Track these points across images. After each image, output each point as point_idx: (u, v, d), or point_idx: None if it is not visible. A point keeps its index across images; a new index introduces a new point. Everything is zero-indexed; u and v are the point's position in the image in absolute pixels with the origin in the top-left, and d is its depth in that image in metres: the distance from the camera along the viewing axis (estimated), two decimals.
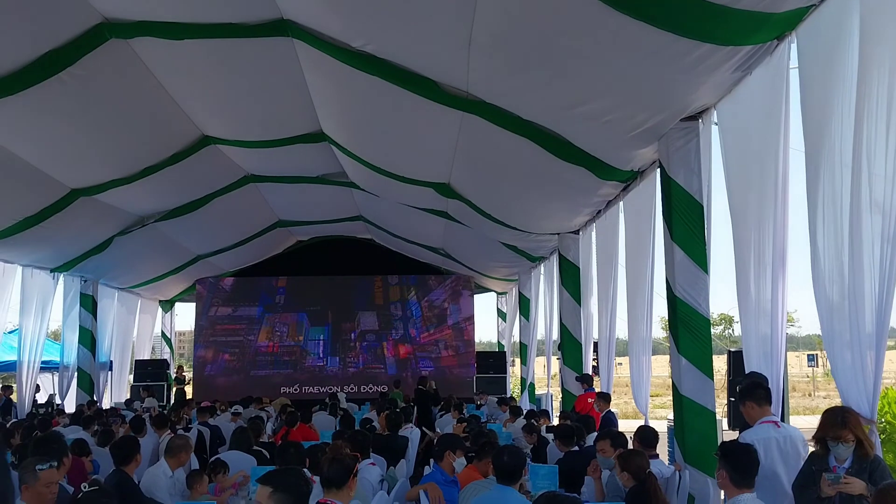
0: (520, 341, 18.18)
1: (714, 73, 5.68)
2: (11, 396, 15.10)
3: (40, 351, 14.44)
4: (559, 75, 6.57)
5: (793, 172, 5.37)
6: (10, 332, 15.92)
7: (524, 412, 11.47)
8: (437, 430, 11.34)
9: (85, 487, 4.09)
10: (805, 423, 13.61)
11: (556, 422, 11.20)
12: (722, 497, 5.33)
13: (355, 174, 12.58)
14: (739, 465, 4.13)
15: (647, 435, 6.44)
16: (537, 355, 18.09)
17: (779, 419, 5.26)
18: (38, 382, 15.22)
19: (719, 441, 6.52)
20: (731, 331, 48.82)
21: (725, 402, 10.86)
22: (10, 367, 14.43)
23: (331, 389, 18.64)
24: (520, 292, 17.66)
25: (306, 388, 20.47)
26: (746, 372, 5.85)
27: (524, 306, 17.19)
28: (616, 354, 10.90)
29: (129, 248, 14.73)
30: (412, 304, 21.03)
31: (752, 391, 5.19)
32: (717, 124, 6.54)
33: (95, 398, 15.96)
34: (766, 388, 5.26)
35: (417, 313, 20.96)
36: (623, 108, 6.77)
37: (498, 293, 22.59)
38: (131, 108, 9.42)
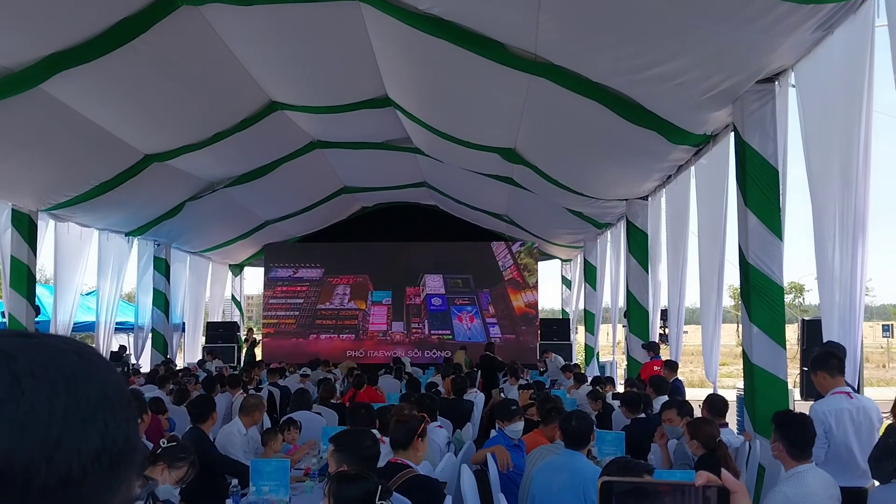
0: (584, 309, 18.06)
1: (793, 33, 5.47)
2: None
3: (116, 312, 14.92)
4: (630, 36, 6.41)
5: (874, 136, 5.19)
6: (87, 294, 16.50)
7: (588, 379, 11.43)
8: (502, 395, 11.38)
9: (164, 443, 4.26)
10: (879, 394, 13.24)
11: (620, 389, 11.13)
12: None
13: (420, 140, 12.57)
14: (797, 438, 4.00)
15: (716, 403, 6.35)
16: (601, 323, 17.95)
17: (851, 390, 5.13)
18: (122, 344, 15.70)
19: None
20: (801, 299, 47.71)
21: (797, 371, 10.66)
22: (89, 328, 14.96)
23: (394, 354, 18.81)
24: (585, 259, 17.51)
25: (371, 352, 20.72)
26: (824, 341, 5.72)
27: (590, 274, 17.03)
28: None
29: (200, 213, 15.06)
30: (477, 269, 20.99)
31: (824, 361, 5.07)
32: (794, 86, 6.31)
33: (169, 358, 16.46)
34: (839, 359, 5.13)
35: (482, 280, 20.92)
36: (697, 70, 6.58)
37: (562, 260, 22.42)
38: (202, 75, 9.56)
